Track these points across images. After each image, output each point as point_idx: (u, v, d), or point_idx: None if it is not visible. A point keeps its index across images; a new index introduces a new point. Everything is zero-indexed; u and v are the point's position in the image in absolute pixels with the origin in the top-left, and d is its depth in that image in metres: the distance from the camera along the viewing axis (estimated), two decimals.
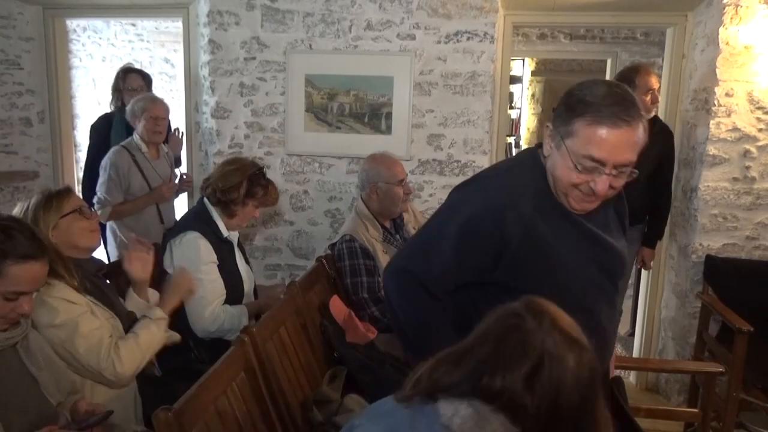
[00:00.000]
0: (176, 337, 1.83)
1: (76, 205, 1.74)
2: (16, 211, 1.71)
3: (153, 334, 1.71)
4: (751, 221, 2.77)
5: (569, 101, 1.22)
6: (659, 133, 2.87)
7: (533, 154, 1.36)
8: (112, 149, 2.90)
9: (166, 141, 3.08)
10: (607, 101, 1.17)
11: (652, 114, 2.83)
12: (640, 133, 1.18)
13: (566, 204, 1.28)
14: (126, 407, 1.69)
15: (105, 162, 2.83)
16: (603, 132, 1.16)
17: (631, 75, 2.81)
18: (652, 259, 3.04)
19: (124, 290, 2.06)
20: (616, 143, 1.16)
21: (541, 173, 1.30)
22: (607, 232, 1.36)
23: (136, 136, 2.90)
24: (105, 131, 3.16)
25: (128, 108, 2.93)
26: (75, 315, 1.59)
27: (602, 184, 1.19)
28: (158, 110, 2.87)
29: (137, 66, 3.90)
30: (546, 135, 1.29)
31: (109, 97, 3.31)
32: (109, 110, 3.34)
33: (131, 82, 3.17)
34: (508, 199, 1.27)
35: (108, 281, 1.94)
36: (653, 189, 2.94)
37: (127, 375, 1.62)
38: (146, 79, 3.25)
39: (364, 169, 2.51)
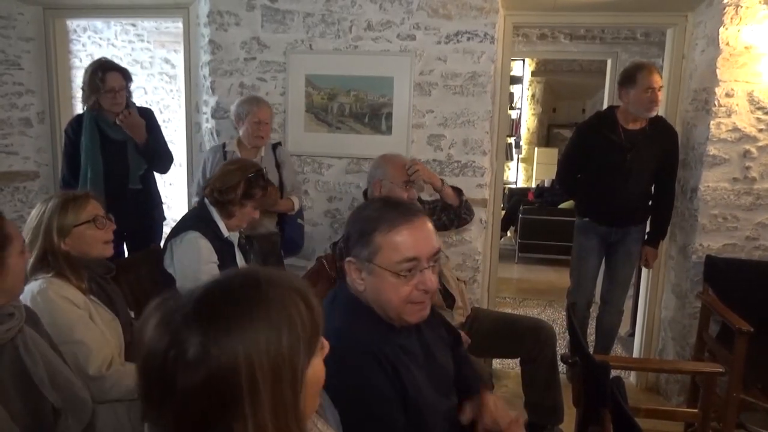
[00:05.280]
0: None
1: (92, 215, 1.74)
2: (34, 212, 1.71)
3: None
4: (751, 221, 2.77)
5: (356, 230, 1.23)
6: (662, 132, 2.87)
7: (348, 298, 1.27)
8: (210, 147, 2.89)
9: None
10: (387, 209, 1.22)
11: (654, 113, 2.82)
12: (429, 224, 1.24)
13: (400, 322, 1.23)
14: (122, 405, 1.69)
15: (204, 156, 2.87)
16: (404, 233, 1.18)
17: (633, 72, 2.82)
18: (655, 258, 3.04)
19: (127, 293, 2.07)
20: (418, 237, 1.19)
21: (366, 310, 1.23)
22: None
23: (234, 136, 2.86)
24: (75, 134, 2.90)
25: (232, 109, 2.80)
26: (75, 317, 1.61)
27: (429, 278, 1.20)
28: (263, 114, 2.73)
29: (137, 65, 3.81)
30: (351, 271, 1.23)
31: (81, 94, 2.91)
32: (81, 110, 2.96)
33: (111, 82, 2.80)
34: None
35: (115, 285, 1.93)
36: (656, 188, 2.94)
37: (111, 394, 1.63)
38: (126, 76, 2.89)
39: (372, 166, 2.50)
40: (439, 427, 1.26)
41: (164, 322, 0.72)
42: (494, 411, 1.30)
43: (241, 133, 2.79)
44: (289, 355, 0.73)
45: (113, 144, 2.90)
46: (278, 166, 2.84)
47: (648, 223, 3.03)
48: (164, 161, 3.03)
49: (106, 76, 2.81)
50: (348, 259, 1.24)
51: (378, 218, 1.20)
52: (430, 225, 1.24)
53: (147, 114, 3.05)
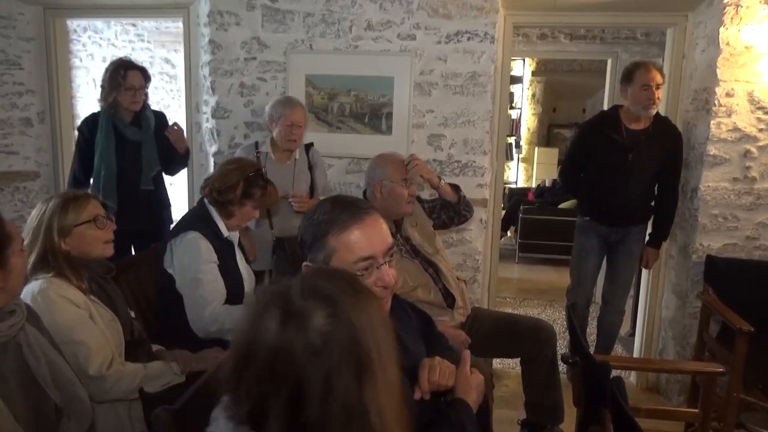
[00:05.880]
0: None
1: (93, 215, 1.74)
2: (34, 212, 1.71)
3: (156, 378, 1.72)
4: (751, 221, 2.77)
5: (309, 235, 1.22)
6: (665, 132, 2.85)
7: None
8: (243, 146, 2.89)
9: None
10: (337, 210, 1.20)
11: (653, 111, 2.79)
12: (381, 221, 1.23)
13: None
14: (122, 405, 1.70)
15: (236, 154, 2.82)
16: (356, 232, 1.18)
17: (631, 69, 2.82)
18: (656, 260, 3.04)
19: (127, 293, 2.07)
20: (370, 235, 1.19)
21: None
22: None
23: (267, 138, 2.84)
24: (90, 133, 2.91)
25: (266, 110, 2.77)
26: (75, 317, 1.61)
27: (387, 273, 1.20)
28: (296, 117, 2.69)
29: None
30: None
31: (100, 92, 2.96)
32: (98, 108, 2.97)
33: (132, 80, 2.85)
34: None
35: (115, 284, 1.93)
36: (659, 189, 2.93)
37: (111, 394, 1.64)
38: (146, 76, 2.94)
39: (370, 167, 2.46)
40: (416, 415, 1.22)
41: (283, 311, 0.75)
42: (431, 374, 1.25)
43: (274, 134, 2.77)
44: (385, 348, 0.78)
45: (128, 144, 2.90)
46: (311, 168, 2.85)
47: (650, 223, 3.03)
48: (180, 164, 3.10)
49: (128, 74, 2.84)
50: (305, 264, 1.23)
51: (329, 221, 1.20)
52: (381, 221, 1.23)
53: (161, 117, 3.06)
